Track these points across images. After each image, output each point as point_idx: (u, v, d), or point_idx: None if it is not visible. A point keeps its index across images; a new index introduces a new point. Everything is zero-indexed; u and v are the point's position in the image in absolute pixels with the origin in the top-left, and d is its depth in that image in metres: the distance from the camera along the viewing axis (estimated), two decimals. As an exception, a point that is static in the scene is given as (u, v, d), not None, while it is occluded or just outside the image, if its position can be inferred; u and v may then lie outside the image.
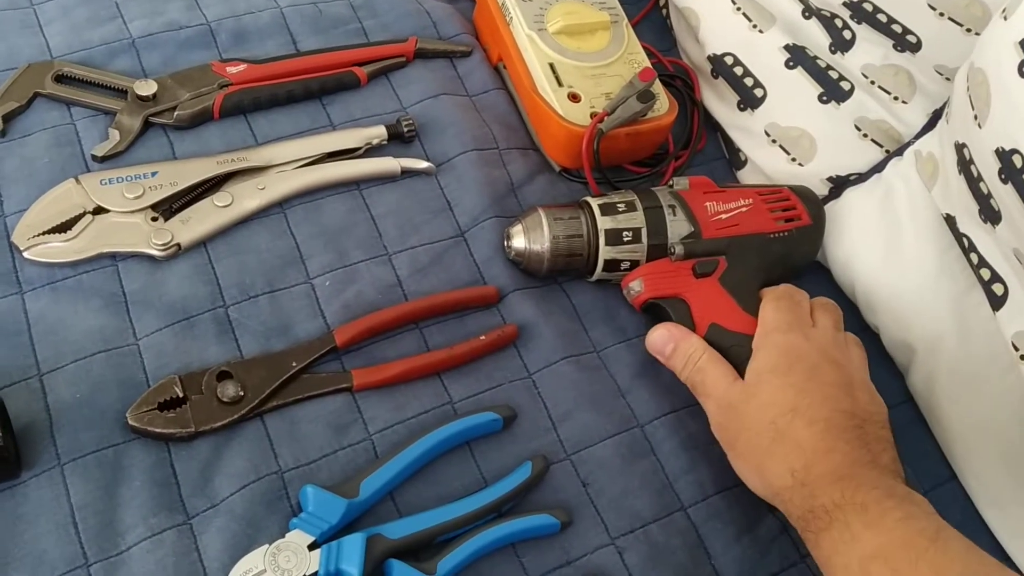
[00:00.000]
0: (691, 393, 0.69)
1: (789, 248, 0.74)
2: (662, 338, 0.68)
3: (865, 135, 0.78)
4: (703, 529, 0.65)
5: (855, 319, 0.79)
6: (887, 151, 0.78)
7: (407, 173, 0.75)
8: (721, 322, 0.68)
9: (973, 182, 0.67)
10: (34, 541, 0.56)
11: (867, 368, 0.67)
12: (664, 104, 0.78)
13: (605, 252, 0.70)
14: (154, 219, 0.68)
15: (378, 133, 0.75)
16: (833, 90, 0.79)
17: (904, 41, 0.75)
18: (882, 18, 0.75)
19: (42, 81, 0.72)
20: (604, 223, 0.70)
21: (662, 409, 0.69)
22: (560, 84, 0.76)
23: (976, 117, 0.64)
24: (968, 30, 0.71)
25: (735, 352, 0.67)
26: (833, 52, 0.79)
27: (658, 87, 0.78)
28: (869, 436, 0.61)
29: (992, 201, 0.65)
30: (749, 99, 0.83)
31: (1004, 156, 0.62)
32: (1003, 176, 0.62)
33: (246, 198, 0.70)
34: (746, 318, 0.68)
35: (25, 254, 0.65)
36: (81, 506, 0.57)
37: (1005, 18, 0.62)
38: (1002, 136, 0.62)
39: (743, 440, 0.63)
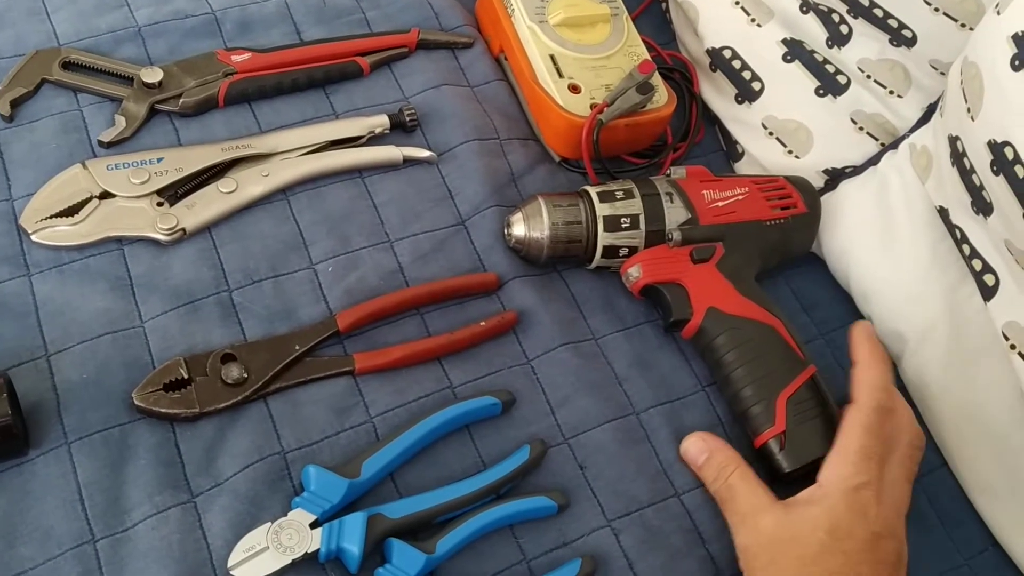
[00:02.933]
0: (688, 392, 0.71)
1: (785, 235, 0.75)
2: (696, 447, 0.66)
3: (861, 128, 0.79)
4: (697, 515, 0.66)
5: (850, 309, 0.80)
6: (882, 144, 0.79)
7: (409, 162, 0.76)
8: (719, 306, 0.69)
9: (966, 174, 0.68)
10: (41, 517, 0.57)
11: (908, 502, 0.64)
12: (663, 96, 0.79)
13: (604, 238, 0.71)
14: (159, 204, 0.69)
15: (380, 122, 0.76)
16: (830, 84, 0.80)
17: (900, 36, 0.76)
18: (878, 13, 0.76)
19: (49, 68, 0.73)
20: (602, 210, 0.71)
21: (657, 399, 0.70)
22: (561, 75, 0.77)
23: (969, 110, 0.65)
24: (962, 25, 0.72)
25: (732, 335, 0.68)
26: (830, 46, 0.80)
27: (657, 79, 0.79)
28: None
29: (984, 193, 0.66)
30: (747, 92, 0.84)
31: (996, 148, 0.63)
32: (995, 168, 0.63)
33: (250, 184, 0.71)
34: (743, 301, 0.69)
35: (33, 237, 0.66)
36: (88, 483, 0.58)
37: (998, 13, 0.64)
38: (994, 129, 0.63)
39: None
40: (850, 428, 0.64)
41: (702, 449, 0.66)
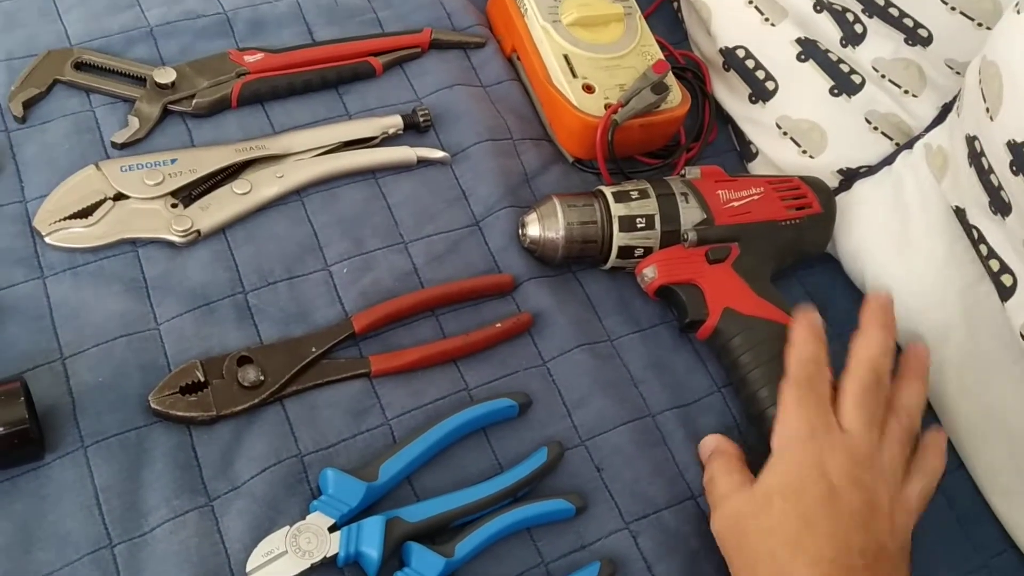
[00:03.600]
0: (703, 394, 0.71)
1: (800, 235, 0.75)
2: (706, 446, 0.67)
3: (875, 128, 0.79)
4: (714, 518, 0.66)
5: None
6: (897, 144, 0.79)
7: (423, 162, 0.76)
8: (734, 306, 0.69)
9: (984, 174, 0.68)
10: (59, 522, 0.57)
11: (903, 464, 0.63)
12: (677, 96, 0.79)
13: (619, 239, 0.71)
14: (174, 206, 0.69)
15: (394, 123, 0.76)
16: (844, 83, 0.80)
17: (915, 35, 0.76)
18: (893, 12, 0.76)
19: (61, 68, 0.73)
20: (618, 210, 0.71)
21: (673, 401, 0.70)
22: (574, 75, 0.77)
23: (988, 110, 0.65)
24: (979, 24, 0.72)
25: (748, 335, 0.68)
26: (844, 46, 0.80)
27: (671, 79, 0.79)
28: (879, 572, 0.58)
29: (1003, 193, 0.66)
30: (760, 92, 0.84)
31: (1016, 148, 0.62)
32: (1014, 168, 0.63)
33: (264, 186, 0.71)
34: (759, 302, 0.69)
35: (47, 239, 0.66)
36: (105, 487, 0.58)
37: (1018, 12, 0.63)
38: (1014, 129, 0.63)
39: (740, 559, 0.61)
40: (781, 396, 0.65)
41: (710, 448, 0.67)
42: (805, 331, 0.68)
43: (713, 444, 0.67)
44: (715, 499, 0.64)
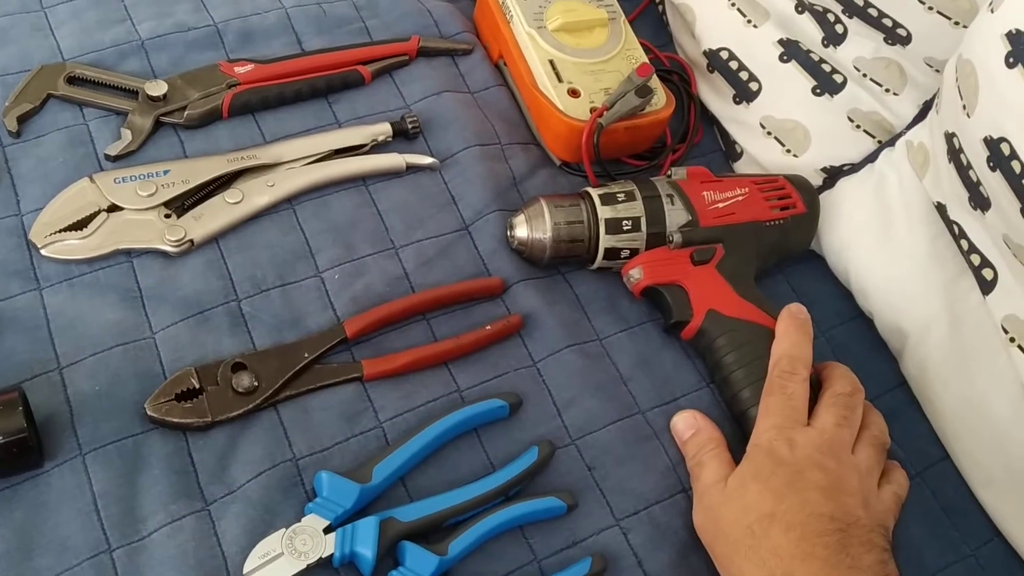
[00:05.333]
0: (692, 389, 0.71)
1: (785, 235, 0.76)
2: (685, 422, 0.68)
3: (858, 126, 0.80)
4: (705, 511, 0.67)
5: (849, 306, 0.81)
6: (879, 142, 0.80)
7: (412, 169, 0.77)
8: (718, 308, 0.70)
9: (963, 170, 0.69)
10: (58, 528, 0.58)
11: (878, 470, 0.65)
12: (661, 98, 0.80)
13: (605, 240, 0.72)
14: (167, 216, 0.70)
15: (383, 130, 0.77)
16: (826, 83, 0.81)
17: (894, 34, 0.77)
18: (873, 12, 0.77)
19: (55, 83, 0.74)
20: (604, 212, 0.72)
21: (662, 398, 0.71)
22: (560, 80, 0.78)
23: (965, 107, 0.66)
24: (956, 23, 0.73)
25: (731, 337, 0.69)
26: (826, 46, 0.81)
27: (655, 82, 0.80)
28: (852, 540, 0.59)
29: (981, 188, 0.67)
30: (744, 93, 0.85)
31: (992, 144, 0.63)
32: (991, 164, 0.64)
33: (256, 195, 0.72)
34: (742, 304, 0.70)
35: (42, 251, 0.67)
36: (103, 494, 0.59)
37: (992, 10, 0.64)
38: (990, 125, 0.64)
39: (720, 544, 0.63)
40: (760, 401, 0.67)
41: (691, 425, 0.68)
42: (789, 324, 0.69)
43: (693, 422, 0.68)
44: (700, 491, 0.65)
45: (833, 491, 0.61)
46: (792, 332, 0.69)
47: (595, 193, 0.73)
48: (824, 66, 0.81)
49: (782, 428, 0.64)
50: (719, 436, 0.67)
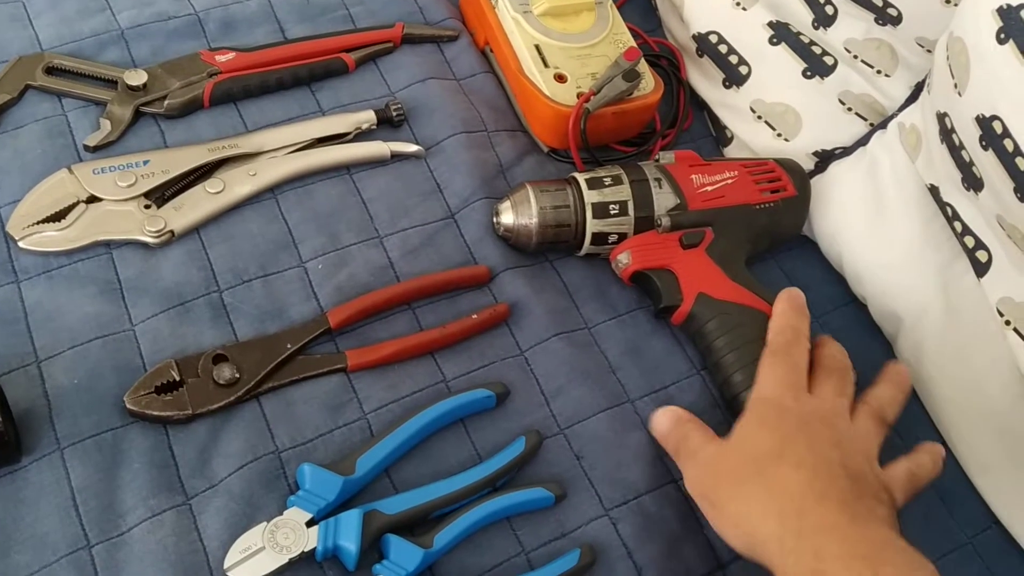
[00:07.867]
0: (682, 376, 0.70)
1: (775, 218, 0.75)
2: (664, 414, 0.67)
3: (849, 109, 0.79)
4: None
5: (842, 290, 0.80)
6: (871, 124, 0.79)
7: (397, 157, 0.76)
8: (708, 291, 0.69)
9: (955, 151, 0.68)
10: (36, 524, 0.57)
11: (876, 442, 0.63)
12: (650, 83, 0.79)
13: (592, 225, 0.71)
14: (147, 207, 0.69)
15: (367, 118, 0.76)
16: (817, 65, 0.80)
17: (885, 15, 0.76)
18: (863, -8, 0.76)
19: (33, 73, 0.73)
20: (591, 196, 0.71)
21: (651, 386, 0.70)
22: (546, 65, 0.77)
23: (956, 86, 0.65)
24: (947, 1, 0.72)
25: (722, 320, 0.68)
26: (816, 27, 0.80)
27: (643, 66, 0.79)
28: (863, 491, 0.57)
29: (974, 168, 0.66)
30: (734, 76, 0.84)
31: (984, 123, 0.62)
32: (984, 143, 0.63)
33: (238, 184, 0.71)
34: (733, 287, 0.69)
35: (20, 244, 0.66)
36: (81, 489, 0.58)
37: (982, -13, 0.63)
38: (982, 103, 0.63)
39: (720, 489, 0.61)
40: (760, 362, 0.66)
41: (669, 416, 0.66)
42: (786, 304, 0.68)
43: (672, 415, 0.66)
44: (689, 451, 0.64)
45: (839, 444, 0.60)
46: (790, 311, 0.68)
47: (581, 178, 0.72)
48: (815, 48, 0.80)
49: (788, 385, 0.64)
50: (702, 425, 0.65)
